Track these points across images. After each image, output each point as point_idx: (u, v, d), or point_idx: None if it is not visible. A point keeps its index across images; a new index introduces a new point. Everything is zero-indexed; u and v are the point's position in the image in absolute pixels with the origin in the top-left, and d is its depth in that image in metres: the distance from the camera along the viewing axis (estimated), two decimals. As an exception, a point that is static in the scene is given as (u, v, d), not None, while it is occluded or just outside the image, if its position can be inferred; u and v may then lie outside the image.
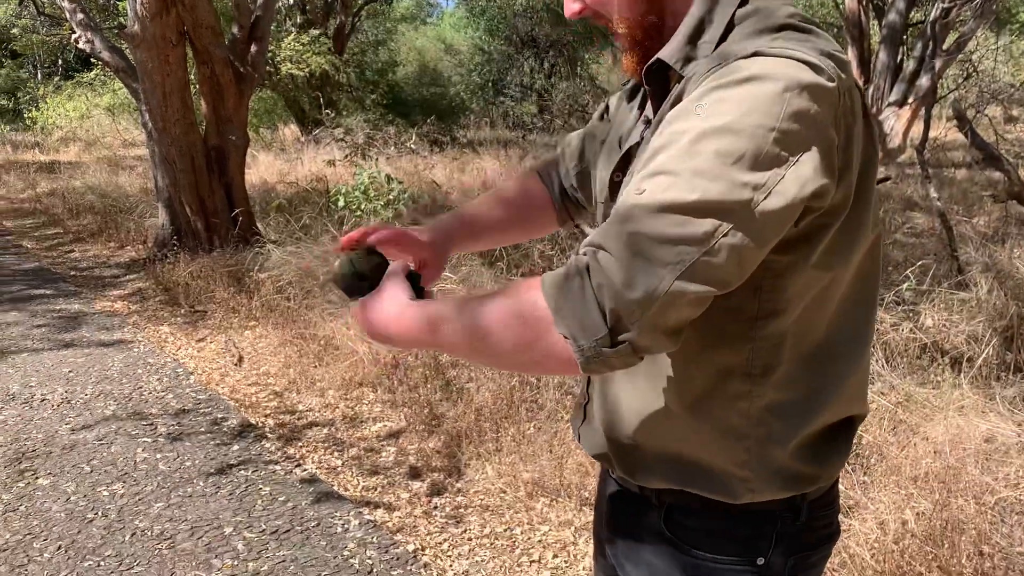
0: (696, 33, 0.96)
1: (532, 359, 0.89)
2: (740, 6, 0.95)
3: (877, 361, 3.64)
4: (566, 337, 0.84)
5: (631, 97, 1.18)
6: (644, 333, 0.83)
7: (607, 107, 1.26)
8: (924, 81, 11.80)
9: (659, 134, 0.89)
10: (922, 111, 10.73)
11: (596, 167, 1.22)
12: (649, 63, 0.99)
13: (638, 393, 1.05)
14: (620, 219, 0.84)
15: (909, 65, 12.22)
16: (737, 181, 0.81)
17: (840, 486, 2.69)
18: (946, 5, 9.98)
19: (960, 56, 12.66)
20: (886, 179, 5.93)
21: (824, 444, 1.02)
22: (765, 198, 0.82)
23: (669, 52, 0.97)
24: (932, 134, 7.56)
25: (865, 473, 2.86)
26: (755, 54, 0.87)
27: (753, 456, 0.99)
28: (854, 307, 1.00)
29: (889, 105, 12.35)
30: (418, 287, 1.07)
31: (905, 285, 4.56)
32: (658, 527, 1.07)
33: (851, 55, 13.22)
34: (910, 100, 12.10)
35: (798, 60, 0.85)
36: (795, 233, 0.88)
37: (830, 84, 0.85)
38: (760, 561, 1.02)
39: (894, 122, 12.25)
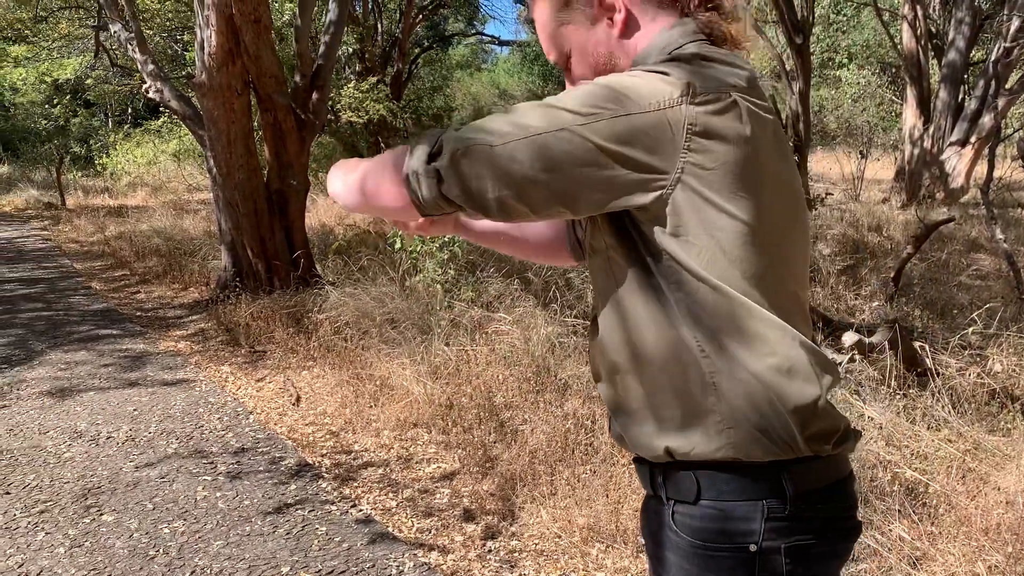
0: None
1: (387, 179, 1.14)
2: (678, 48, 1.15)
3: (943, 407, 3.53)
4: (408, 148, 1.11)
5: None
6: (447, 166, 1.06)
7: None
8: (987, 120, 11.59)
9: None
10: (985, 151, 10.52)
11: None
12: None
13: (610, 359, 1.20)
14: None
15: (971, 104, 12.01)
16: (567, 108, 1.04)
17: (905, 535, 2.62)
18: (1008, 44, 9.82)
19: (1024, 95, 12.42)
20: (950, 220, 5.80)
21: (778, 371, 1.09)
22: (582, 124, 1.02)
23: None
24: (996, 174, 7.39)
25: (933, 523, 2.76)
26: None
27: (720, 403, 1.10)
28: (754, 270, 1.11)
29: (951, 144, 12.14)
30: None
31: (971, 328, 4.44)
32: (668, 523, 1.17)
33: (910, 95, 13.06)
34: (972, 139, 11.88)
35: (652, 71, 1.08)
36: (645, 201, 1.05)
37: (677, 81, 1.05)
38: (752, 548, 1.09)
39: (956, 161, 12.03)
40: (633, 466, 3.22)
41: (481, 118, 1.11)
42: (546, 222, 1.53)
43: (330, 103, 13.43)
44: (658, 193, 1.05)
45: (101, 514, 3.39)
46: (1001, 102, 11.29)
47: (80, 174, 23.56)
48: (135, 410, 4.69)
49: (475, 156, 1.05)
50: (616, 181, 1.05)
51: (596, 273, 1.20)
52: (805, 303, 1.20)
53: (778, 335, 1.09)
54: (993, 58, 11.44)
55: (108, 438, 4.27)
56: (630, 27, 1.21)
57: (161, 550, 3.09)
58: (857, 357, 4.06)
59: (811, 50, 14.00)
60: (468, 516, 3.33)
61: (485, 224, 1.52)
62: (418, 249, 6.12)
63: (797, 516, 1.10)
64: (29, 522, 3.32)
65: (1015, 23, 10.71)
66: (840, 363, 3.96)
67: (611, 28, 1.21)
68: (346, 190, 1.24)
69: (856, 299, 6.01)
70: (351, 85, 15.53)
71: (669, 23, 1.19)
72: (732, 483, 1.11)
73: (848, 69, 21.83)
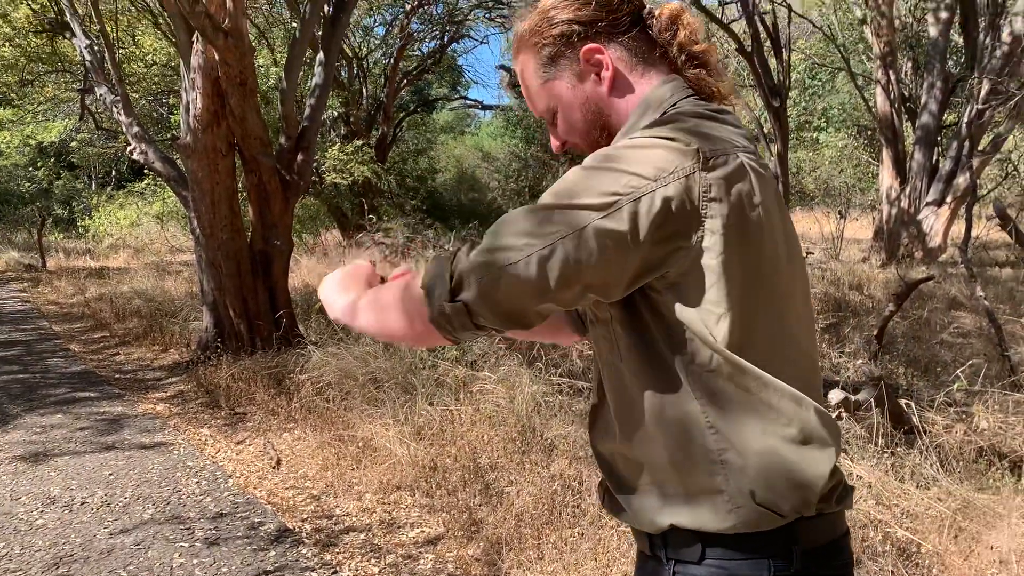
0: (625, 134, 1.18)
1: (401, 312, 1.11)
2: (674, 106, 1.16)
3: (932, 465, 3.51)
4: (423, 290, 1.05)
5: None
6: (477, 299, 1.01)
7: None
8: (961, 180, 11.82)
9: None
10: (962, 210, 10.70)
11: None
12: None
13: (608, 432, 1.18)
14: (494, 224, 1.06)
15: (945, 165, 12.26)
16: (582, 201, 1.01)
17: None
18: (980, 106, 10.07)
19: (998, 156, 12.69)
20: (929, 278, 5.85)
21: (786, 452, 1.07)
22: (602, 217, 1.00)
23: None
24: (973, 233, 7.50)
25: (927, 584, 2.71)
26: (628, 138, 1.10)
27: (730, 482, 1.07)
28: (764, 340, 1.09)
29: (927, 204, 12.34)
30: None
31: (956, 385, 4.44)
32: None
33: (886, 156, 13.33)
34: (948, 199, 12.08)
35: (659, 138, 1.06)
36: (671, 272, 1.04)
37: (686, 148, 1.03)
38: None
39: (933, 221, 12.22)
40: (621, 529, 3.17)
41: (491, 230, 1.05)
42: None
43: (315, 165, 13.52)
44: (680, 261, 1.04)
45: (72, 583, 3.28)
46: (975, 162, 11.53)
47: (62, 236, 23.50)
48: (111, 474, 4.58)
49: (504, 281, 1.01)
50: (647, 261, 1.03)
51: (599, 343, 1.18)
52: (816, 359, 1.19)
53: (793, 406, 1.08)
54: (966, 120, 11.72)
55: (82, 504, 4.16)
56: (619, 84, 1.20)
57: (134, 621, 2.98)
58: (843, 415, 4.05)
59: (788, 113, 14.31)
60: (453, 582, 3.24)
61: None
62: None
63: (802, 574, 1.08)
64: (-3, 592, 3.21)
65: (985, 86, 11.01)
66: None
67: (599, 85, 1.20)
68: (348, 313, 1.21)
69: (840, 357, 6.02)
70: (336, 147, 15.68)
71: (660, 79, 1.19)
72: (739, 544, 1.08)
73: (826, 131, 22.30)
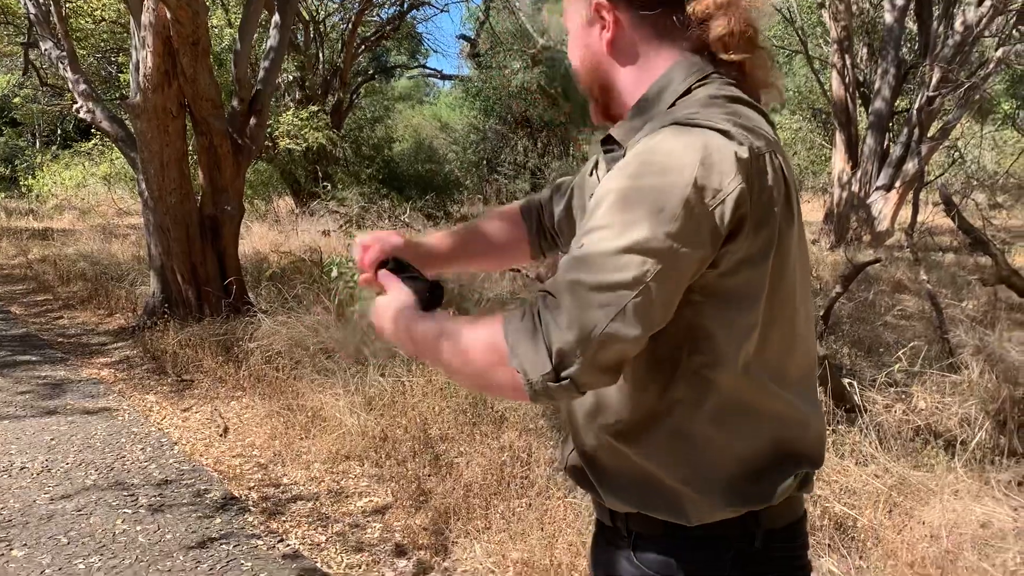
0: (642, 110, 1.12)
1: (490, 384, 1.03)
2: (701, 81, 1.10)
3: (871, 443, 3.61)
4: (518, 371, 0.97)
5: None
6: (584, 371, 0.95)
7: (596, 163, 1.33)
8: (910, 166, 12.04)
9: (597, 193, 1.02)
10: (910, 195, 10.92)
11: (579, 219, 1.36)
12: (604, 136, 1.18)
13: (597, 418, 1.14)
14: (565, 269, 0.98)
15: (896, 150, 12.48)
16: (660, 231, 0.94)
17: (835, 568, 2.64)
18: (931, 93, 10.24)
19: (946, 143, 12.94)
20: (876, 261, 5.97)
21: (766, 464, 1.08)
22: (683, 245, 0.95)
23: (620, 130, 1.15)
24: (920, 218, 7.67)
25: (861, 557, 2.80)
26: (676, 123, 1.01)
27: (697, 475, 1.07)
28: (776, 344, 1.08)
29: (877, 189, 12.57)
30: (415, 275, 1.27)
31: (896, 367, 4.55)
32: (628, 556, 1.15)
33: (839, 140, 13.52)
34: (897, 184, 12.32)
35: (712, 129, 0.99)
36: (716, 277, 1.00)
37: (740, 147, 0.98)
38: None
39: (882, 205, 12.45)
40: (568, 500, 3.20)
41: (568, 282, 0.96)
42: (507, 222, 1.54)
43: (268, 130, 13.29)
44: (724, 261, 1.00)
45: (11, 549, 3.22)
46: (924, 149, 11.76)
47: (3, 195, 22.78)
48: (52, 439, 4.49)
49: (610, 343, 0.95)
50: (717, 261, 1.00)
51: None
52: (815, 356, 1.19)
53: (786, 416, 1.09)
54: (916, 106, 11.93)
55: (22, 469, 4.07)
56: (622, 49, 1.15)
57: (74, 587, 2.94)
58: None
59: (745, 94, 14.37)
60: (400, 551, 3.26)
61: (444, 249, 1.51)
62: (355, 279, 6.03)
63: (762, 554, 1.10)
64: (-69, 558, 3.14)
65: (937, 73, 11.21)
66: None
67: (601, 39, 1.15)
68: (430, 360, 1.13)
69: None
70: (290, 112, 15.39)
71: (680, 56, 1.13)
72: (702, 526, 1.10)
73: (780, 114, 22.53)
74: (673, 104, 1.09)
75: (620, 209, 0.97)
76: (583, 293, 0.95)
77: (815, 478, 1.19)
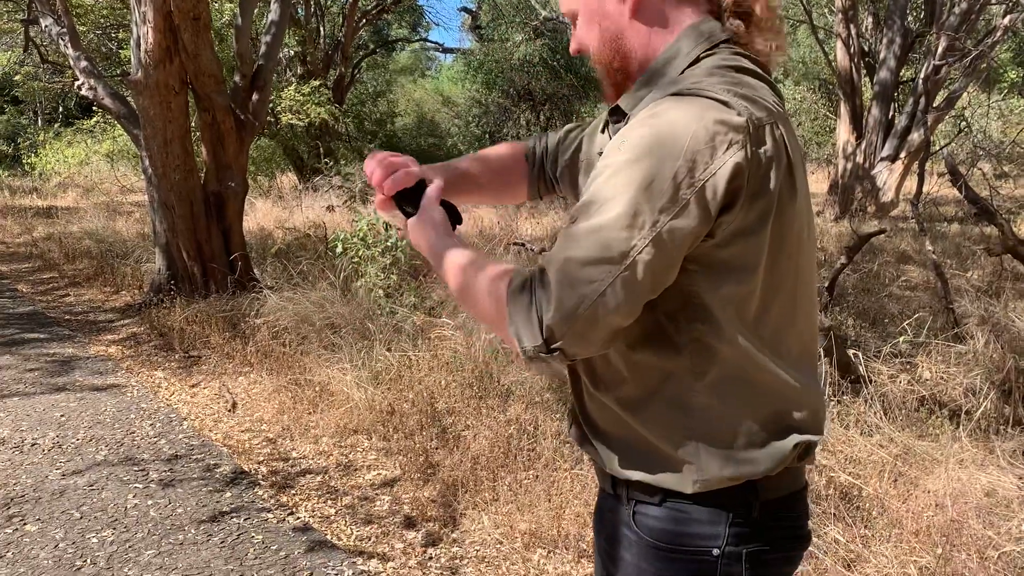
0: (649, 80, 1.13)
1: (496, 332, 1.09)
2: (709, 51, 1.10)
3: (875, 413, 3.62)
4: (513, 338, 1.03)
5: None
6: (572, 343, 1.00)
7: (607, 121, 1.32)
8: (916, 136, 11.97)
9: (597, 167, 1.05)
10: (915, 166, 10.87)
11: (583, 173, 1.37)
12: (612, 106, 1.19)
13: (600, 386, 1.16)
14: (559, 245, 1.02)
15: (901, 121, 12.40)
16: (649, 205, 0.97)
17: (840, 537, 2.67)
18: (937, 62, 10.16)
19: (952, 113, 12.83)
20: (881, 231, 5.96)
21: (764, 435, 1.09)
22: (672, 218, 0.97)
23: (627, 100, 1.16)
24: (925, 188, 7.63)
25: (866, 526, 2.82)
26: (675, 94, 1.03)
27: (696, 444, 1.09)
28: (775, 316, 1.09)
29: (882, 160, 12.51)
30: (451, 209, 1.26)
31: (901, 337, 4.56)
32: (628, 522, 1.16)
33: (843, 111, 13.43)
34: (902, 155, 12.26)
35: (711, 99, 1.00)
36: (711, 247, 1.01)
37: (738, 118, 0.99)
38: (715, 552, 1.10)
39: (887, 176, 12.40)
40: (575, 471, 3.23)
41: (553, 253, 1.01)
42: (508, 156, 1.52)
43: (270, 105, 13.23)
44: (721, 231, 1.02)
45: (24, 524, 3.26)
46: (930, 119, 11.68)
47: (7, 173, 22.76)
48: (62, 416, 4.53)
49: (598, 315, 0.99)
50: (712, 231, 1.02)
51: None
52: (817, 327, 1.20)
53: (785, 391, 1.10)
54: (922, 76, 11.84)
55: (33, 445, 4.11)
56: (646, 9, 1.13)
57: (89, 560, 2.98)
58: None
59: (749, 65, 14.26)
60: (409, 523, 3.29)
61: (446, 178, 1.45)
62: (360, 254, 6.05)
63: (760, 523, 1.11)
64: (-54, 533, 3.18)
65: (943, 42, 11.10)
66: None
67: (623, 3, 1.13)
68: (452, 289, 1.18)
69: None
70: (292, 87, 15.33)
71: (699, 17, 1.13)
72: (701, 495, 1.11)
73: (784, 85, 22.37)
74: (682, 74, 1.10)
75: (612, 183, 1.00)
76: (573, 269, 0.98)
77: (818, 449, 1.19)
